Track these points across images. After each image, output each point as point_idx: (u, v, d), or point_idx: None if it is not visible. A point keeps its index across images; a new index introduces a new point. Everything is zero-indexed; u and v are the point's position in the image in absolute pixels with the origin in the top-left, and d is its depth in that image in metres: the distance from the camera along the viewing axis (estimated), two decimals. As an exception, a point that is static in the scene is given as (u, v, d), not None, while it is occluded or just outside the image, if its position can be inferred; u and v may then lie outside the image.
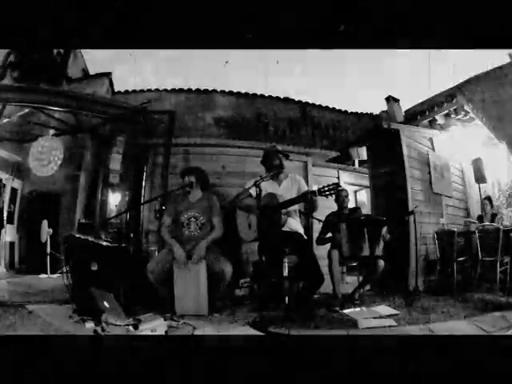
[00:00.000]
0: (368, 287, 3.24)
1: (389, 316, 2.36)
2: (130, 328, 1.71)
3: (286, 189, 2.63)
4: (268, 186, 2.59)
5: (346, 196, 3.16)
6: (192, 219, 2.69)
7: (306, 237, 2.73)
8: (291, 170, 2.78)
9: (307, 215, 3.08)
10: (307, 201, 2.36)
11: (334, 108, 7.03)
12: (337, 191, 2.38)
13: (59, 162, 4.44)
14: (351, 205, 3.36)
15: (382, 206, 4.08)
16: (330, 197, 2.27)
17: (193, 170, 2.86)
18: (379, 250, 2.82)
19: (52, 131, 4.74)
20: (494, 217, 3.86)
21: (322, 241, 3.09)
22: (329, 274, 2.78)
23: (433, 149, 4.34)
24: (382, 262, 2.81)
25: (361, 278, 3.15)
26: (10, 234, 5.17)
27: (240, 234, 2.65)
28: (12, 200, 5.27)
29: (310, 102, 6.83)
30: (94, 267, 2.44)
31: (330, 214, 3.17)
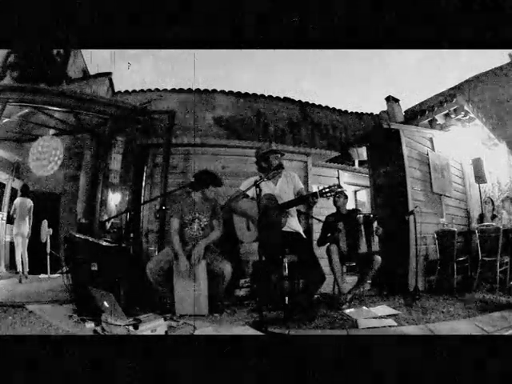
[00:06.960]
0: (368, 286, 3.25)
1: (389, 316, 2.36)
2: (130, 328, 1.71)
3: (283, 187, 2.63)
4: (264, 186, 2.58)
5: (345, 198, 3.17)
6: (195, 220, 2.69)
7: (305, 236, 2.73)
8: (290, 170, 2.78)
9: (307, 215, 3.08)
10: (308, 202, 2.36)
11: (334, 108, 7.04)
12: (335, 194, 2.39)
13: (59, 162, 4.44)
14: (351, 205, 3.37)
15: (381, 205, 4.08)
16: (331, 198, 2.29)
17: (210, 173, 2.84)
18: (375, 245, 2.85)
19: (52, 131, 4.74)
20: (494, 217, 3.86)
21: (322, 242, 3.10)
22: (330, 270, 2.80)
23: (433, 149, 4.33)
24: (379, 258, 2.83)
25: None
26: (10, 234, 5.16)
27: (238, 236, 2.63)
28: (12, 200, 5.26)
29: (310, 102, 6.85)
30: (94, 267, 2.44)
31: (330, 215, 3.18)
